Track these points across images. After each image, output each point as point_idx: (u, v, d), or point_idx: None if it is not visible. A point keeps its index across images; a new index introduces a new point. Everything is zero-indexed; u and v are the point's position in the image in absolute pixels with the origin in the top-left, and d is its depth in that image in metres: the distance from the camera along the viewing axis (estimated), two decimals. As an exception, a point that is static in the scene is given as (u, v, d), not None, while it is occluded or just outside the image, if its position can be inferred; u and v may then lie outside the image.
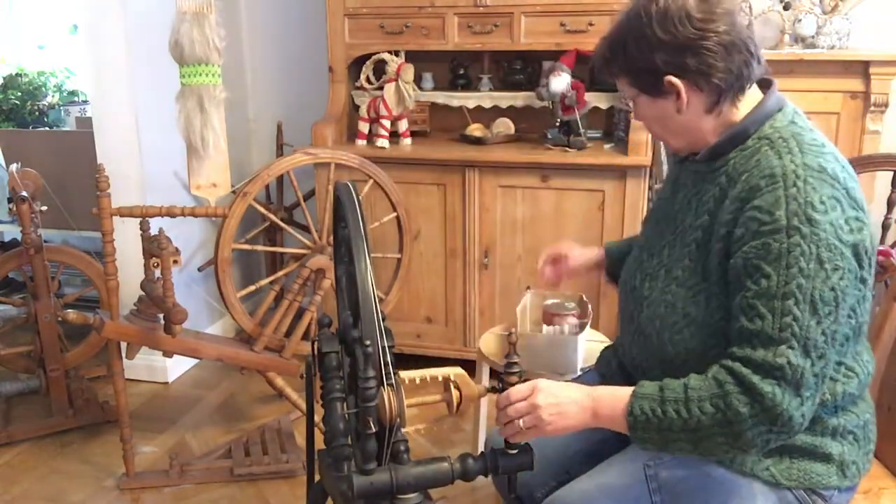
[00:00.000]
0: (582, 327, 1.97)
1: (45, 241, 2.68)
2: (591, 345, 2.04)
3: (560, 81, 2.77)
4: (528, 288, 2.15)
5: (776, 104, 1.26)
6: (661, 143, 2.84)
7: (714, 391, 1.13)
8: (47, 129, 3.87)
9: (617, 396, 1.20)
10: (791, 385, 1.10)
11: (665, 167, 2.61)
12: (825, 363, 1.12)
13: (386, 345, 1.17)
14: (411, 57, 3.00)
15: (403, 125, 3.03)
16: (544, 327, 1.96)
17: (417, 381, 1.22)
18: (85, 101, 4.01)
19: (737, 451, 1.16)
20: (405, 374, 1.22)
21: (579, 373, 1.90)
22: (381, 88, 3.01)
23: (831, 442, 1.27)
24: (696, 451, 1.16)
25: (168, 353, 2.42)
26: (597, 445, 1.47)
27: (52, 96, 4.10)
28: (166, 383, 3.11)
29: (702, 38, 1.17)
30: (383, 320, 1.20)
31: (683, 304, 1.26)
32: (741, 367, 1.12)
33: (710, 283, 1.24)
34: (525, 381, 1.22)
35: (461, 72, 3.21)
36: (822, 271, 1.10)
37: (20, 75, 4.04)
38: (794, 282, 1.10)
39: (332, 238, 1.72)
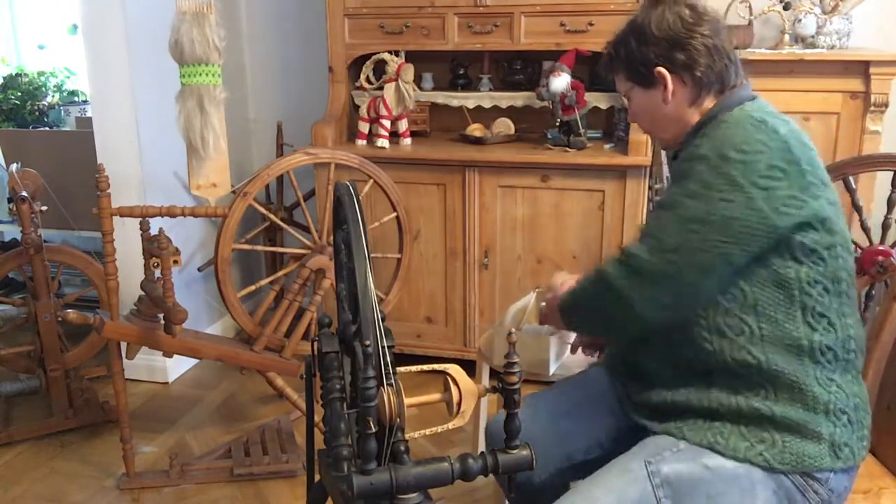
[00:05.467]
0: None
1: (45, 241, 2.68)
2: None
3: (560, 81, 2.77)
4: (538, 288, 2.12)
5: (749, 95, 1.41)
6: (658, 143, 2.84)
7: (592, 271, 1.42)
8: (47, 129, 3.87)
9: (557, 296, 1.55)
10: (629, 268, 1.32)
11: (665, 168, 2.61)
12: (675, 268, 1.28)
13: (386, 345, 1.17)
14: (411, 57, 3.00)
15: (403, 125, 3.04)
16: (525, 326, 1.94)
17: (414, 371, 1.24)
18: (85, 101, 4.01)
19: (613, 320, 1.40)
20: (402, 369, 1.22)
21: (551, 373, 1.90)
22: (381, 88, 3.01)
23: (823, 421, 1.30)
24: (597, 318, 1.45)
25: (168, 353, 2.42)
26: (600, 434, 1.52)
27: (52, 96, 4.10)
28: (166, 383, 3.11)
29: (689, 37, 1.37)
30: (383, 320, 1.19)
31: None
32: (614, 255, 1.39)
33: None
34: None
35: (461, 72, 3.21)
36: (707, 196, 1.26)
37: (20, 75, 4.03)
38: (677, 197, 1.29)
39: (332, 238, 1.72)
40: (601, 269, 1.37)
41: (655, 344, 1.42)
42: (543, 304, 1.69)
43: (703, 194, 1.26)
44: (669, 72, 1.39)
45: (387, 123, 2.97)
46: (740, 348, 1.30)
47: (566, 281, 1.60)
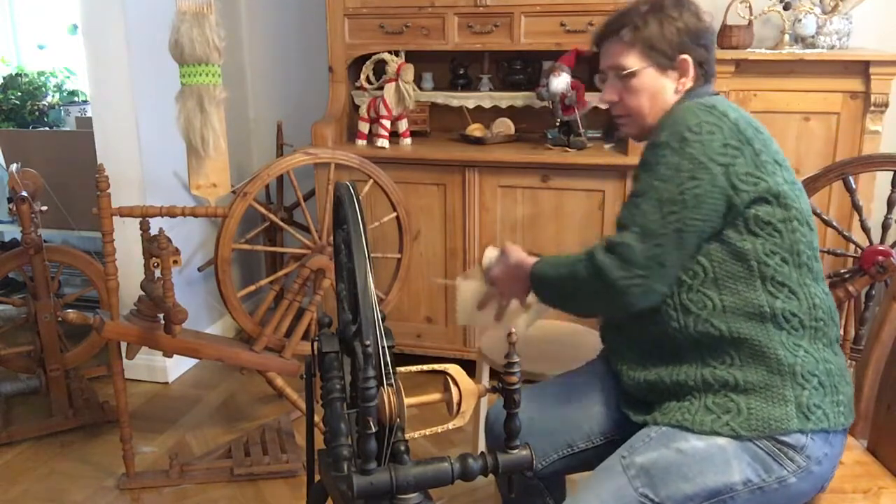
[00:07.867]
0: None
1: (45, 241, 2.68)
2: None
3: (560, 81, 2.77)
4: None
5: (709, 91, 1.48)
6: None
7: (581, 257, 1.39)
8: (47, 129, 3.87)
9: (526, 263, 1.52)
10: (620, 258, 1.33)
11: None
12: (661, 251, 1.32)
13: (386, 345, 1.17)
14: (411, 57, 3.00)
15: (403, 125, 3.04)
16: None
17: (414, 371, 1.24)
18: (85, 101, 4.01)
19: (594, 303, 1.43)
20: (402, 369, 1.23)
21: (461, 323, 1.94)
22: (381, 88, 3.01)
23: (789, 383, 1.32)
24: (574, 299, 1.44)
25: (168, 353, 2.42)
26: (602, 422, 1.53)
27: (52, 96, 4.10)
28: (166, 383, 3.11)
29: (706, 35, 1.46)
30: (383, 320, 1.20)
31: None
32: (599, 244, 1.38)
33: None
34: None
35: (461, 72, 3.21)
36: (677, 178, 1.31)
37: (20, 75, 4.04)
38: (650, 183, 1.33)
39: (332, 238, 1.72)
40: (596, 260, 1.35)
41: (625, 327, 1.48)
42: (491, 264, 1.63)
43: (672, 176, 1.31)
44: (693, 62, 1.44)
45: (387, 123, 2.97)
46: (704, 321, 1.35)
47: (513, 252, 1.58)
